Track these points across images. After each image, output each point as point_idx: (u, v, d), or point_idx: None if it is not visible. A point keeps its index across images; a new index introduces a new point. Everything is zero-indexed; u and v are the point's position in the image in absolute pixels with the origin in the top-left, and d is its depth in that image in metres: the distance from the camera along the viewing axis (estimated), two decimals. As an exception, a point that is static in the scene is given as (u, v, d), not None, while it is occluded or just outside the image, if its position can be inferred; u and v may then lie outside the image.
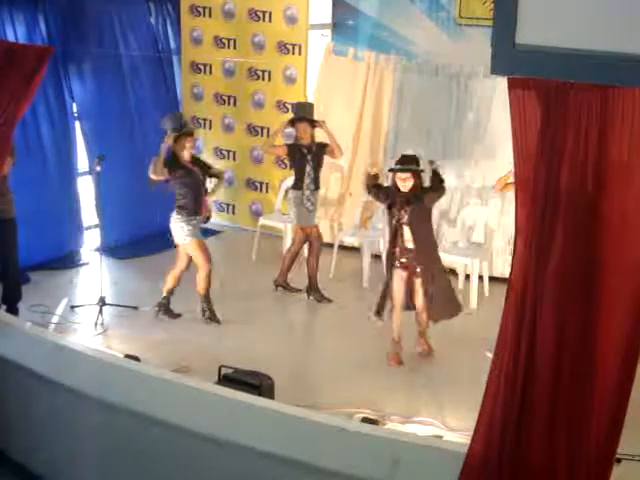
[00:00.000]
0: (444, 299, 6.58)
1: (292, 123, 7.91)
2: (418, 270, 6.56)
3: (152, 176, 7.10)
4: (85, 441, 5.77)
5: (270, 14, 9.13)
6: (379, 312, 6.68)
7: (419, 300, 6.63)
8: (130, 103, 9.08)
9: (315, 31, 9.32)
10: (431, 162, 6.62)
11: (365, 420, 5.42)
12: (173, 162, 7.17)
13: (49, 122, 8.41)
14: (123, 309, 7.46)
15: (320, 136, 7.93)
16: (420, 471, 4.66)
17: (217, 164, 8.88)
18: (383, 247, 7.77)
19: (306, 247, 8.14)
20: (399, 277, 6.60)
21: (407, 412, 5.88)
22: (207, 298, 7.37)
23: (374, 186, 6.70)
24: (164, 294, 7.42)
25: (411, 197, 6.44)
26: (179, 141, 7.15)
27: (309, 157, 7.82)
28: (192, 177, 7.20)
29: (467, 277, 7.94)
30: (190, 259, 7.33)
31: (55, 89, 8.46)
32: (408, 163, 6.46)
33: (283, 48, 9.11)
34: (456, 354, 6.75)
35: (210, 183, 7.55)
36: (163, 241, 8.45)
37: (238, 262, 8.70)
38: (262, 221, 8.95)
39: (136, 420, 5.37)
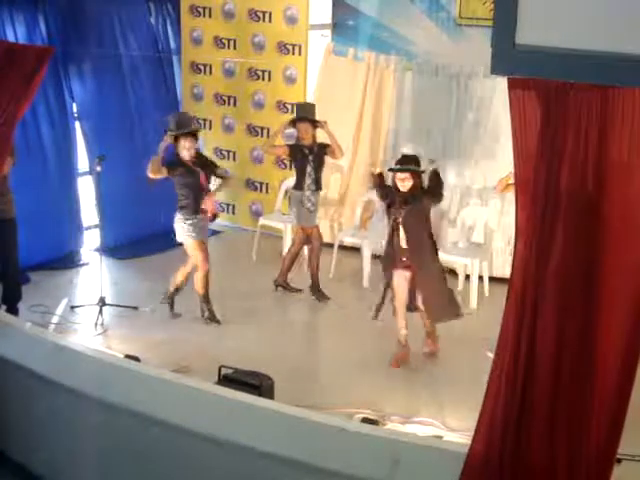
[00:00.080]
0: (442, 301, 6.55)
1: (293, 123, 7.91)
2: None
3: (149, 174, 7.10)
4: (85, 441, 5.77)
5: (270, 14, 9.13)
6: (376, 314, 6.68)
7: (420, 301, 6.62)
8: (130, 103, 9.08)
9: (315, 31, 9.32)
10: (431, 161, 6.61)
11: (365, 420, 5.41)
12: (174, 161, 7.17)
13: (49, 122, 8.41)
14: (123, 309, 7.46)
15: (321, 137, 7.92)
16: (420, 471, 4.66)
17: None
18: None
19: (306, 247, 8.15)
20: (402, 278, 6.56)
21: (407, 412, 5.87)
22: (206, 298, 7.37)
23: (379, 186, 6.70)
24: (171, 288, 7.43)
25: (409, 197, 6.44)
26: (178, 141, 7.15)
27: (310, 157, 7.81)
28: (192, 177, 7.18)
29: (467, 277, 7.94)
30: None
31: (55, 89, 8.46)
32: (408, 163, 6.46)
33: (283, 48, 9.11)
34: (456, 354, 6.75)
35: (215, 182, 7.53)
36: (163, 241, 8.50)
37: (238, 262, 8.69)
38: (262, 221, 8.95)
39: (136, 420, 5.37)
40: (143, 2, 9.39)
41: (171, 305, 7.47)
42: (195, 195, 7.19)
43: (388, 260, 6.64)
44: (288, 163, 8.78)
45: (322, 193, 8.15)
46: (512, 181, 5.92)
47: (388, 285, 6.65)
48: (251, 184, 9.69)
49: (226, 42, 9.48)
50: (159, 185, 7.37)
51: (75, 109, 8.81)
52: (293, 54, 9.08)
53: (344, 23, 8.99)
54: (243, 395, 5.30)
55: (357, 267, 8.36)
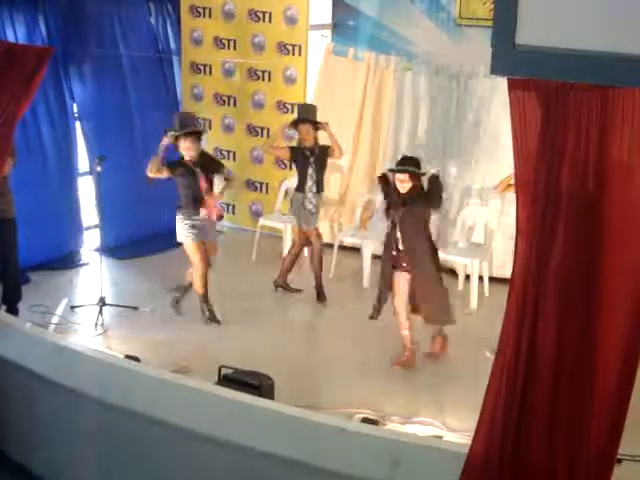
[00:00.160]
0: (435, 304, 6.51)
1: (295, 125, 7.89)
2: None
3: (150, 174, 7.10)
4: (85, 441, 5.77)
5: (270, 15, 9.13)
6: (375, 314, 6.67)
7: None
8: (130, 103, 9.08)
9: (315, 31, 9.32)
10: (436, 175, 6.55)
11: (365, 420, 5.41)
12: (176, 161, 7.17)
13: (49, 122, 8.41)
14: (123, 309, 7.46)
15: (323, 139, 7.90)
16: (420, 472, 4.66)
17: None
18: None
19: (307, 249, 8.14)
20: (402, 278, 6.53)
21: (407, 412, 5.87)
22: (205, 298, 7.37)
23: (383, 186, 6.70)
24: (185, 284, 7.45)
25: (407, 199, 6.43)
26: (178, 141, 7.14)
27: (311, 160, 7.79)
28: (192, 178, 7.17)
29: (467, 277, 7.94)
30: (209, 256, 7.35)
31: (55, 89, 8.46)
32: (408, 165, 6.45)
33: (283, 49, 9.11)
34: (456, 354, 6.75)
35: (218, 184, 7.50)
36: (163, 241, 8.51)
37: (238, 262, 8.69)
38: (262, 221, 8.95)
39: (136, 420, 5.37)
40: (143, 2, 9.39)
41: (177, 304, 7.48)
42: (194, 196, 7.17)
43: (386, 261, 6.63)
44: (288, 163, 8.76)
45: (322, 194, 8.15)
46: (513, 182, 5.92)
47: (385, 286, 6.63)
48: (251, 184, 9.69)
49: (226, 42, 9.48)
50: (159, 185, 7.36)
51: (75, 109, 8.81)
52: (293, 54, 9.08)
53: (344, 23, 8.98)
54: (243, 395, 5.30)
55: (357, 267, 8.36)
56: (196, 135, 7.18)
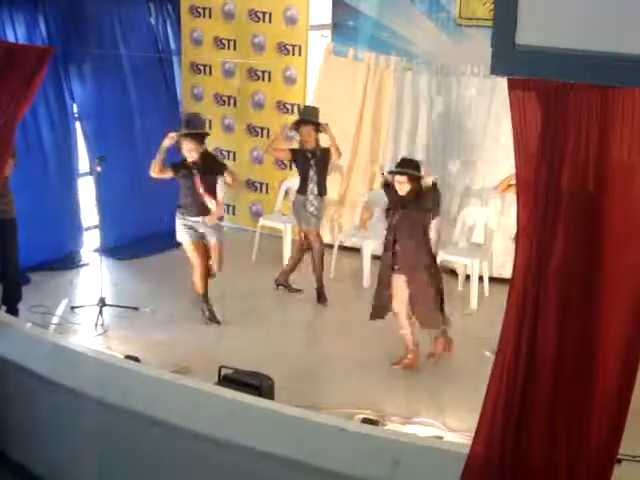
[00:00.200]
0: (428, 308, 6.49)
1: (296, 126, 7.88)
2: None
3: (151, 174, 7.11)
4: (85, 441, 5.77)
5: (270, 15, 9.13)
6: (373, 316, 6.67)
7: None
8: (130, 104, 9.08)
9: (315, 32, 9.32)
10: (434, 184, 6.54)
11: (365, 421, 5.41)
12: (178, 162, 7.17)
13: (49, 123, 8.41)
14: (123, 310, 7.46)
15: (324, 141, 7.88)
16: (420, 472, 4.66)
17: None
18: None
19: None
20: (401, 280, 6.51)
21: (407, 413, 5.87)
22: (206, 298, 7.37)
23: (384, 186, 6.70)
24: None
25: (406, 201, 6.43)
26: (179, 142, 7.14)
27: (312, 162, 7.76)
28: (190, 179, 7.17)
29: (467, 277, 7.94)
30: (211, 256, 7.34)
31: (55, 90, 8.46)
32: (407, 167, 6.44)
33: (283, 49, 9.12)
34: (456, 354, 6.75)
35: (219, 189, 7.48)
36: (163, 242, 8.50)
37: (238, 262, 8.68)
38: (262, 222, 8.95)
39: (136, 420, 5.37)
40: (143, 2, 9.39)
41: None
42: (193, 197, 7.18)
43: (384, 262, 6.63)
44: (288, 164, 8.77)
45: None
46: (513, 182, 5.93)
47: (382, 286, 6.62)
48: (251, 184, 9.69)
49: (226, 42, 9.49)
50: (159, 185, 7.37)
51: (75, 110, 8.82)
52: (293, 54, 9.08)
53: (344, 23, 8.98)
54: (243, 395, 5.30)
55: (357, 267, 8.36)
56: (198, 137, 7.17)
